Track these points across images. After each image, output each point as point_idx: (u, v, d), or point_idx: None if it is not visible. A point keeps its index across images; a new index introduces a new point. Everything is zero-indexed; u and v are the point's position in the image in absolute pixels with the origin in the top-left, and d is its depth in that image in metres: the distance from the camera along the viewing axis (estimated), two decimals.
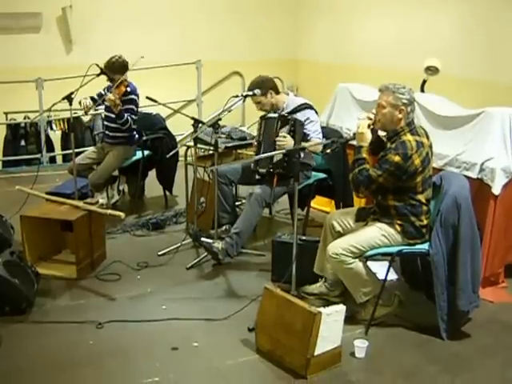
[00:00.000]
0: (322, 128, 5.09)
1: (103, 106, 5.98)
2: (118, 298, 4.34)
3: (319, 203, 5.92)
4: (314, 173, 5.14)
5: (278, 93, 5.01)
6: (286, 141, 4.65)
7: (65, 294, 4.40)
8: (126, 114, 5.60)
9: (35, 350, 3.67)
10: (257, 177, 4.95)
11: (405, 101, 3.77)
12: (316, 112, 5.00)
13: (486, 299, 4.25)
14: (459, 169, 4.52)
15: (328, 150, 3.87)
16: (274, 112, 4.99)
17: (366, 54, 8.48)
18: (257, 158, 4.71)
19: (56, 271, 4.66)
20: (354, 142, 4.02)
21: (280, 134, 4.70)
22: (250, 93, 4.78)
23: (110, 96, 5.44)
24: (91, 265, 4.74)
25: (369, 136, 3.88)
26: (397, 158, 3.70)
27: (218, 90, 9.58)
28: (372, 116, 3.90)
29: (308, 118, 4.87)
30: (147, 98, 4.87)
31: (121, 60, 5.59)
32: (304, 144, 4.65)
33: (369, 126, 3.88)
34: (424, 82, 5.81)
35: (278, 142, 4.67)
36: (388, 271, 3.87)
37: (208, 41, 9.38)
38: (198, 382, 3.41)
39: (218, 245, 4.67)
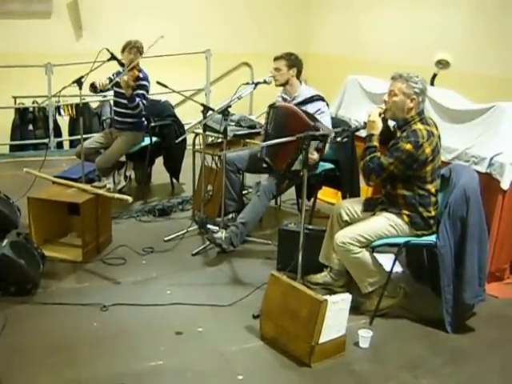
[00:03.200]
0: (331, 119, 5.07)
1: (112, 92, 5.98)
2: (123, 282, 4.34)
3: (325, 195, 5.91)
4: (321, 163, 5.12)
5: (298, 78, 5.00)
6: (312, 158, 4.65)
7: (70, 277, 4.40)
8: (137, 99, 5.61)
9: (39, 331, 3.67)
10: (264, 165, 4.94)
11: (417, 90, 3.76)
12: (327, 104, 4.99)
13: (491, 294, 4.23)
14: (468, 163, 4.49)
15: (338, 139, 3.85)
16: (284, 100, 4.99)
17: (376, 48, 8.46)
18: (263, 145, 4.69)
19: (62, 254, 4.66)
20: (363, 134, 4.01)
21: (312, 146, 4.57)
22: (261, 80, 4.76)
23: (124, 77, 5.44)
24: (97, 248, 4.75)
25: (380, 124, 3.88)
26: (408, 146, 3.69)
27: (226, 80, 9.57)
28: (383, 105, 3.89)
29: (319, 109, 4.86)
30: (157, 82, 4.86)
31: (139, 43, 5.65)
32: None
33: (380, 114, 3.88)
34: (434, 75, 5.78)
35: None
36: (395, 261, 3.87)
37: (218, 30, 9.38)
38: (201, 366, 3.40)
39: (222, 234, 4.67)
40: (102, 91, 5.70)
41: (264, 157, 4.84)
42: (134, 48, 5.63)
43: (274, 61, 4.95)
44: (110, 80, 5.69)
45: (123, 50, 5.67)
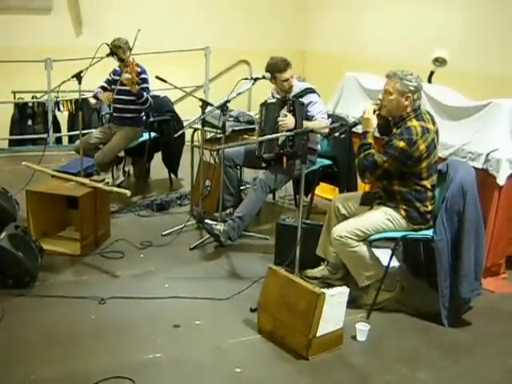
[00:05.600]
0: (329, 115, 5.09)
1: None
2: (121, 276, 4.36)
3: (323, 191, 5.93)
4: (319, 159, 5.14)
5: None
6: (287, 119, 4.66)
7: (68, 270, 4.41)
8: (144, 93, 5.62)
9: (37, 323, 3.68)
10: (263, 165, 4.96)
11: (412, 88, 3.77)
12: (318, 95, 4.98)
13: (487, 289, 4.26)
14: (465, 159, 4.52)
15: (336, 134, 3.86)
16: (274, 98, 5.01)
17: (374, 46, 8.47)
18: (260, 139, 4.71)
19: (60, 247, 4.68)
20: (360, 130, 4.03)
21: (281, 113, 4.71)
22: (260, 75, 4.76)
23: (127, 75, 5.43)
24: (95, 242, 4.76)
25: (374, 122, 3.89)
26: (402, 144, 3.70)
27: (225, 77, 9.58)
28: (378, 102, 3.90)
29: (311, 102, 4.87)
30: (156, 77, 4.87)
31: (122, 40, 5.61)
32: (307, 123, 4.68)
33: (374, 111, 3.90)
34: (432, 73, 5.80)
35: (279, 123, 4.67)
36: (392, 255, 3.88)
37: (217, 28, 9.38)
38: (199, 359, 3.41)
39: (220, 227, 4.68)
40: (110, 102, 5.74)
41: (262, 154, 4.83)
42: (119, 49, 5.56)
43: (281, 72, 4.83)
44: (109, 81, 5.71)
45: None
